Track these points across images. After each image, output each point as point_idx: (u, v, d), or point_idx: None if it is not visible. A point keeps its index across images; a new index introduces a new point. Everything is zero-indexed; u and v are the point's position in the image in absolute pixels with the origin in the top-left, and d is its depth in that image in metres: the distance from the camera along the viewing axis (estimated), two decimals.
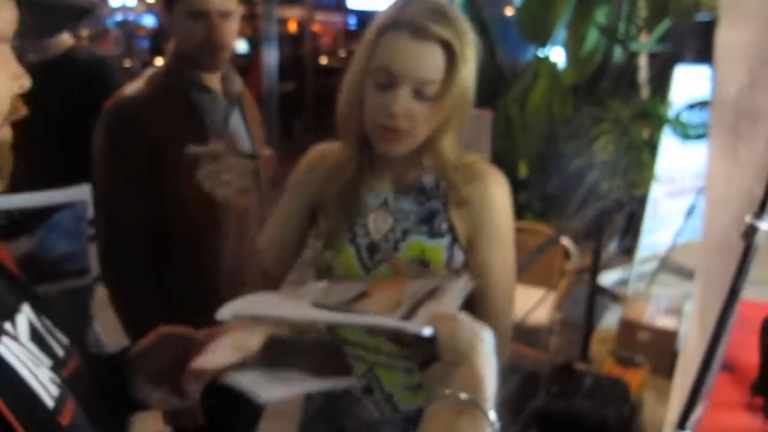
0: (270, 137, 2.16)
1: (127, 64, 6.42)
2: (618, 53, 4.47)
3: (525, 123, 4.35)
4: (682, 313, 3.35)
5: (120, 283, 1.66)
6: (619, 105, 3.49)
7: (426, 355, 0.76)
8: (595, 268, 3.38)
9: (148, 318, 1.55)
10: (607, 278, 4.24)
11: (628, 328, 3.38)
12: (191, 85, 1.72)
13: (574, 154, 3.79)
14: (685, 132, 3.50)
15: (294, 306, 0.91)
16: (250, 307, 0.88)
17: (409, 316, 0.87)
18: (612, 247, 4.72)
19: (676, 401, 2.21)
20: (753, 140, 1.50)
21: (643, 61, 4.34)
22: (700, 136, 3.62)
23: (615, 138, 3.35)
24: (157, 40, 9.77)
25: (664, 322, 3.36)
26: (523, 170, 4.47)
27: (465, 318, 0.80)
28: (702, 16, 3.96)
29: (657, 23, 4.22)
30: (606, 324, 3.81)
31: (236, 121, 1.84)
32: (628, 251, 4.43)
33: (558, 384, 2.46)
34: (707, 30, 2.98)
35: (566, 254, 3.17)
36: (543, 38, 4.41)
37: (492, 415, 0.71)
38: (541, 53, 4.48)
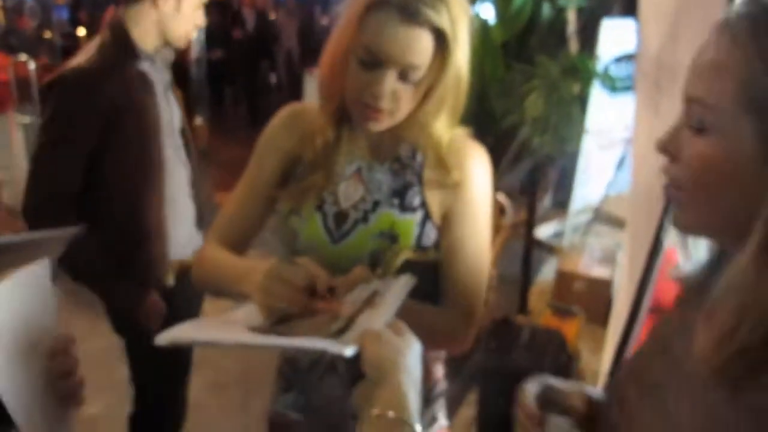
0: (200, 107, 2.18)
1: (47, 35, 6.14)
2: (546, 9, 4.49)
3: None
4: (615, 262, 3.46)
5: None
6: (549, 61, 3.53)
7: (354, 372, 0.81)
8: (531, 223, 3.45)
9: (101, 275, 1.88)
10: (543, 231, 4.33)
11: (564, 279, 3.48)
12: (140, 55, 1.86)
13: (504, 111, 3.82)
14: (612, 85, 3.57)
15: (228, 331, 0.92)
16: (187, 333, 0.89)
17: (344, 329, 0.90)
18: (546, 201, 4.82)
19: (610, 348, 2.29)
20: (673, 93, 1.55)
21: (571, 16, 4.37)
22: (627, 89, 3.69)
23: (545, 94, 3.39)
24: (76, 10, 9.33)
25: (599, 271, 3.46)
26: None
27: (388, 336, 0.83)
28: None
29: None
30: (543, 276, 3.91)
31: (167, 83, 2.01)
32: (562, 204, 4.53)
33: (496, 339, 2.51)
34: None
35: (501, 210, 3.21)
36: None
37: (418, 428, 0.78)
38: (471, 11, 4.46)
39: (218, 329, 0.94)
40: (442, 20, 1.07)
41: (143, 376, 2.21)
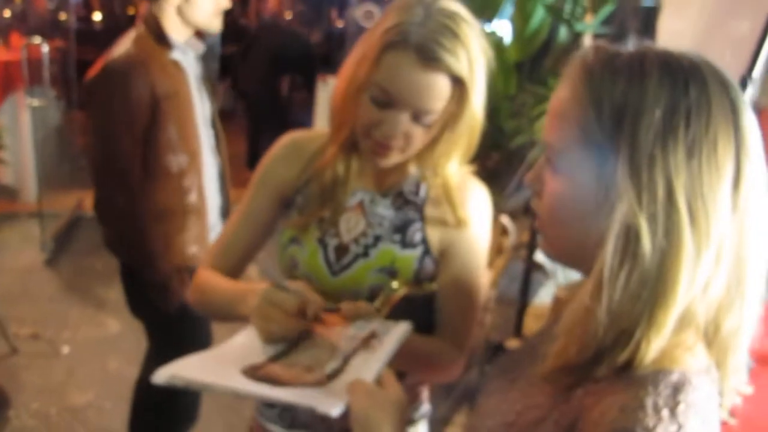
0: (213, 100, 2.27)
1: (62, 17, 6.19)
2: (563, 33, 4.50)
3: None
4: None
5: (121, 215, 1.98)
6: None
7: (343, 424, 0.83)
8: (532, 245, 3.43)
9: (152, 242, 2.00)
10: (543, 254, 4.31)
11: (561, 305, 3.44)
12: (175, 45, 1.99)
13: (514, 131, 3.82)
14: None
15: (226, 370, 0.92)
16: (184, 372, 0.89)
17: (338, 371, 0.92)
18: None
19: None
20: None
21: (586, 42, 4.37)
22: None
23: None
24: None
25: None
26: None
27: (377, 394, 0.85)
28: (646, 1, 4.01)
29: (601, 5, 4.26)
30: (540, 300, 3.89)
31: (200, 78, 2.15)
32: None
33: (491, 363, 2.50)
34: (650, 15, 3.02)
35: (504, 231, 3.20)
36: (490, 13, 4.40)
37: None
38: (487, 28, 4.47)
39: (216, 368, 0.93)
40: (461, 66, 1.05)
41: (163, 357, 2.22)
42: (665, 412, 0.66)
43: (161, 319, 2.17)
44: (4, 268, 4.24)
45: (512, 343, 2.88)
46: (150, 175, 2.00)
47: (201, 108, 2.14)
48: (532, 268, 3.50)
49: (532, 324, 3.51)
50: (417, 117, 1.07)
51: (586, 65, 0.76)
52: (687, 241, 0.68)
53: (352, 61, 1.11)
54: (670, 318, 0.70)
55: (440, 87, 1.05)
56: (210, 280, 1.24)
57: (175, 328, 2.13)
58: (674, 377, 0.70)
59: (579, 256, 0.79)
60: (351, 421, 0.82)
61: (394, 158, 1.13)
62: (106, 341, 3.52)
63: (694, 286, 0.70)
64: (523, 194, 3.42)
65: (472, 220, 1.20)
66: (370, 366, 0.91)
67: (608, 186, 0.71)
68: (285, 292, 1.03)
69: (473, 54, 1.06)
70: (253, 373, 0.91)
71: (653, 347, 0.70)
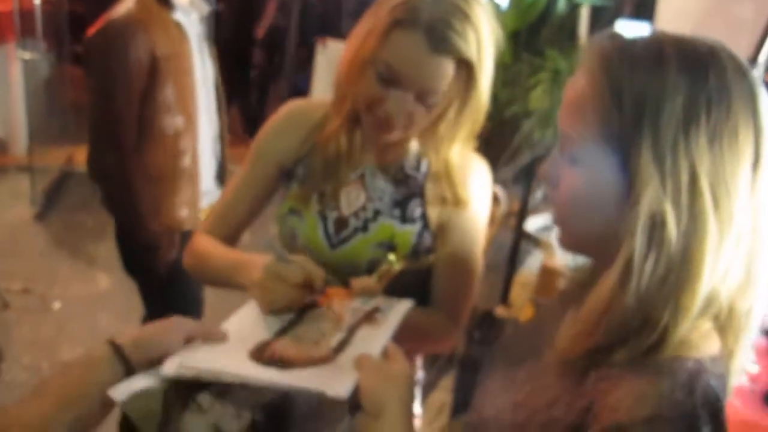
0: None
1: None
2: (561, 3, 4.47)
3: None
4: None
5: (114, 175, 1.98)
6: (558, 56, 3.51)
7: (352, 401, 0.82)
8: (523, 215, 3.45)
9: (143, 204, 2.01)
10: (532, 224, 4.33)
11: (548, 274, 3.48)
12: (177, 6, 1.99)
13: (509, 100, 3.81)
14: None
15: (233, 357, 0.91)
16: (193, 362, 0.88)
17: (343, 344, 0.93)
18: (539, 193, 4.82)
19: None
20: None
21: (584, 13, 4.35)
22: None
23: (551, 88, 3.38)
24: None
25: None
26: None
27: (385, 369, 0.85)
28: None
29: None
30: (527, 269, 3.92)
31: (204, 42, 2.15)
32: None
33: (480, 331, 2.53)
34: None
35: (495, 200, 3.22)
36: None
37: None
38: None
39: (224, 352, 0.93)
40: (470, 50, 1.03)
41: (156, 316, 2.26)
42: (682, 399, 0.68)
43: (152, 280, 2.20)
44: None
45: (501, 311, 2.91)
46: (144, 136, 2.00)
47: (202, 70, 2.13)
48: (521, 237, 3.53)
49: (518, 292, 3.55)
50: (421, 97, 1.06)
51: (603, 54, 0.76)
52: (711, 226, 0.70)
53: (360, 33, 1.09)
54: (696, 302, 0.71)
55: (447, 69, 1.04)
56: (207, 247, 1.24)
57: (167, 289, 2.15)
58: (690, 364, 0.71)
59: (599, 246, 0.80)
60: (363, 401, 0.82)
61: (395, 135, 1.13)
62: (96, 297, 3.53)
63: (717, 269, 0.71)
64: (514, 164, 3.44)
65: (472, 198, 1.20)
66: (375, 340, 0.93)
67: (631, 175, 0.72)
68: (289, 264, 1.03)
69: (483, 37, 1.05)
70: (261, 355, 0.91)
71: (679, 332, 0.72)
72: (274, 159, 1.25)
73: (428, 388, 2.78)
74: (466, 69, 1.06)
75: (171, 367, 0.86)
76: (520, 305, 3.37)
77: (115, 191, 2.03)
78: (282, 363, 0.89)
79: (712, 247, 0.70)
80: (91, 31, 1.94)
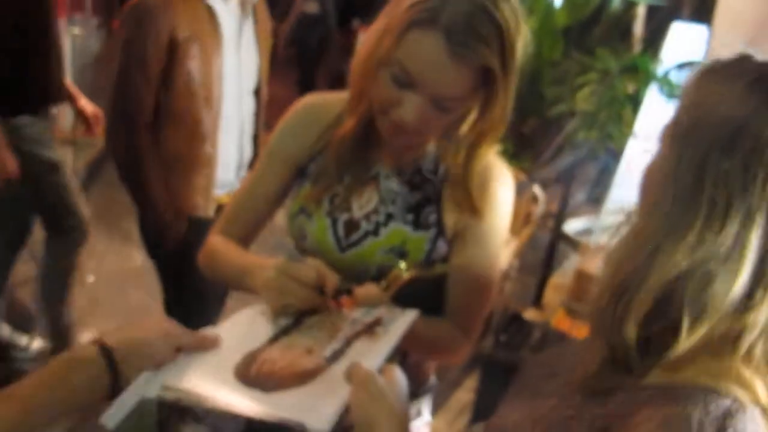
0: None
1: None
2: (616, 2, 4.36)
3: None
4: None
5: (126, 154, 1.98)
6: (609, 56, 3.42)
7: (342, 424, 0.78)
8: (561, 216, 3.38)
9: (152, 186, 2.00)
10: (571, 226, 4.26)
11: (583, 279, 3.40)
12: None
13: (555, 99, 3.73)
14: (671, 91, 3.45)
15: (218, 375, 0.87)
16: (177, 381, 0.84)
17: (338, 354, 0.89)
18: (580, 196, 4.73)
19: None
20: None
21: (640, 12, 4.23)
22: None
23: (599, 90, 3.29)
24: None
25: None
26: None
27: (378, 386, 0.80)
28: None
29: None
30: (563, 272, 3.85)
31: (248, 32, 2.10)
32: (596, 202, 4.44)
33: (507, 333, 2.48)
34: None
35: (533, 199, 3.16)
36: None
37: None
38: None
39: (211, 367, 0.89)
40: (493, 57, 0.95)
41: (173, 302, 2.29)
42: (711, 430, 0.64)
43: (165, 266, 2.21)
44: None
45: (530, 314, 2.85)
46: (161, 118, 1.98)
47: (236, 58, 2.07)
48: (558, 239, 3.46)
49: (552, 296, 3.48)
50: (437, 102, 0.99)
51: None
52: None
53: (376, 31, 1.02)
54: (719, 308, 0.68)
55: (466, 76, 0.97)
56: (220, 247, 1.21)
57: (182, 278, 2.14)
58: (727, 402, 0.67)
59: None
60: (353, 418, 0.79)
61: (409, 140, 1.08)
62: (130, 273, 3.56)
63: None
64: (556, 164, 3.36)
65: (491, 206, 1.13)
66: (372, 354, 0.88)
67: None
68: (303, 264, 1.00)
69: (509, 42, 0.96)
70: (246, 371, 0.87)
71: (697, 333, 0.69)
72: (289, 157, 1.21)
73: (452, 387, 2.74)
74: (487, 76, 0.99)
75: (153, 389, 0.83)
76: (552, 310, 3.31)
77: (127, 169, 2.02)
78: (267, 382, 0.85)
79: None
80: (125, 7, 1.95)
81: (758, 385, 0.70)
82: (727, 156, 0.68)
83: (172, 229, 2.08)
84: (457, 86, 0.98)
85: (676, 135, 0.74)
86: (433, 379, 1.35)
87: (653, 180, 0.78)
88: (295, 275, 0.98)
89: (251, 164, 2.26)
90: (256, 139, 2.27)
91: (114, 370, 0.80)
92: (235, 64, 2.08)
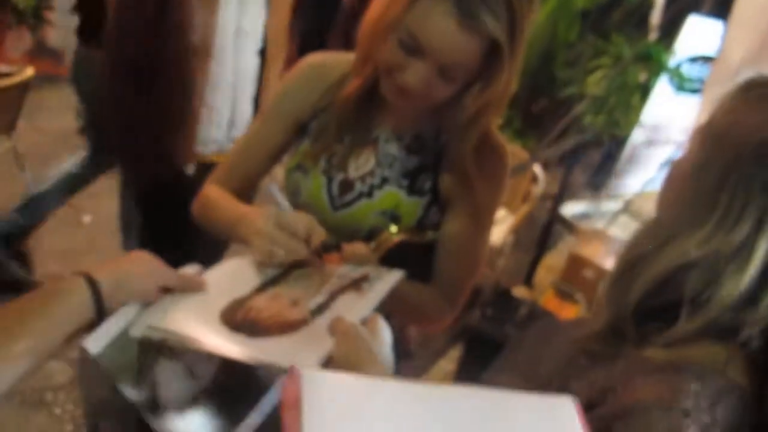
0: None
1: None
2: None
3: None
4: None
5: (119, 99, 1.93)
6: (624, 42, 3.41)
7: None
8: (560, 198, 3.39)
9: (141, 131, 1.96)
10: (569, 209, 4.28)
11: (576, 263, 3.44)
12: None
13: (567, 80, 3.73)
14: (681, 84, 3.45)
15: (204, 317, 0.87)
16: (161, 322, 0.84)
17: (323, 307, 0.89)
18: (581, 180, 4.75)
19: None
20: None
21: (659, 2, 4.21)
22: (694, 91, 3.57)
23: (611, 75, 3.28)
24: None
25: (611, 264, 3.41)
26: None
27: (360, 336, 0.80)
28: None
29: None
30: (557, 252, 3.87)
31: None
32: (596, 187, 4.46)
33: (494, 308, 2.51)
34: None
35: (534, 179, 3.17)
36: None
37: None
38: None
39: (197, 310, 0.89)
40: (501, 30, 0.96)
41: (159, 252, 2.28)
42: (704, 403, 0.69)
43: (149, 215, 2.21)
44: (39, 127, 4.29)
45: (519, 291, 2.88)
46: (154, 67, 1.94)
47: (236, 16, 2.02)
48: (554, 220, 3.48)
49: (543, 275, 3.52)
50: (442, 70, 1.00)
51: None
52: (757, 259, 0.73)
53: (385, 2, 1.03)
54: (731, 295, 0.74)
55: (473, 46, 0.97)
56: (213, 197, 1.22)
57: (165, 226, 2.15)
58: (722, 381, 0.72)
59: None
60: (333, 362, 0.79)
61: (412, 104, 1.08)
62: None
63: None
64: (560, 145, 3.37)
65: (486, 180, 1.13)
66: (357, 308, 0.88)
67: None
68: (293, 215, 1.00)
69: (518, 16, 0.97)
70: (232, 316, 0.88)
71: (707, 317, 0.74)
72: (291, 113, 1.20)
73: (436, 356, 2.78)
74: (494, 49, 0.99)
75: (138, 329, 0.84)
76: (542, 289, 3.34)
77: (116, 114, 2.00)
78: (252, 328, 0.85)
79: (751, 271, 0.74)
80: None
81: (750, 372, 0.75)
82: (752, 163, 0.73)
83: (154, 179, 2.05)
84: (464, 55, 0.99)
85: (708, 136, 0.79)
86: (412, 348, 1.37)
87: (679, 173, 0.83)
88: (284, 225, 0.98)
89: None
90: (257, 101, 2.20)
91: (99, 301, 0.81)
92: (235, 20, 2.02)
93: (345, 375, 0.66)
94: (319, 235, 0.99)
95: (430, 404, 0.61)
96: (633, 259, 0.81)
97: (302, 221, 0.99)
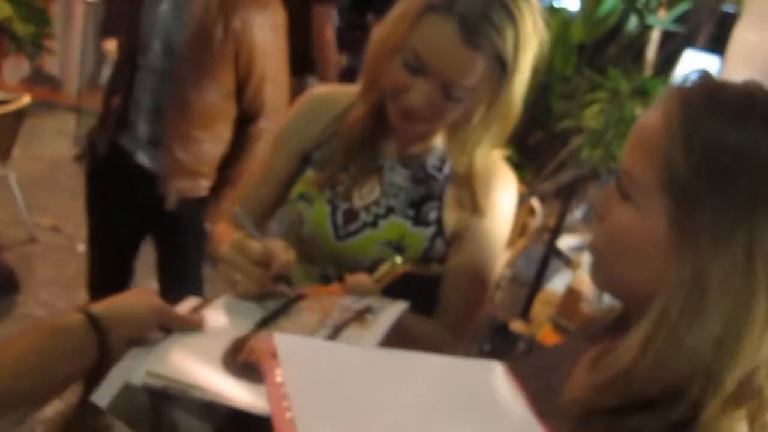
0: None
1: None
2: (632, 22, 4.37)
3: None
4: None
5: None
6: (620, 76, 3.43)
7: None
8: (557, 231, 3.38)
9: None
10: (566, 242, 4.26)
11: (573, 297, 3.40)
12: None
13: (563, 113, 3.74)
14: None
15: (205, 363, 0.83)
16: (162, 368, 0.81)
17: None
18: (577, 213, 4.74)
19: None
20: None
21: (654, 37, 4.25)
22: None
23: (608, 109, 3.30)
24: None
25: (609, 299, 3.39)
26: None
27: None
28: (726, 7, 3.86)
29: (677, 2, 4.12)
30: (554, 286, 3.85)
31: None
32: (593, 220, 4.44)
33: (492, 343, 2.48)
34: (726, 21, 2.90)
35: (530, 212, 3.16)
36: None
37: None
38: (556, 3, 4.35)
39: (198, 354, 0.86)
40: (506, 48, 0.96)
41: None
42: None
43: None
44: (36, 155, 4.28)
45: (516, 326, 2.86)
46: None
47: (168, 13, 1.87)
48: (552, 253, 3.46)
49: (540, 309, 3.48)
50: (448, 90, 0.99)
51: (684, 93, 0.69)
52: (761, 306, 0.64)
53: (392, 17, 1.03)
54: (731, 381, 0.65)
55: (478, 65, 0.97)
56: (219, 232, 1.23)
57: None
58: None
59: (633, 294, 0.74)
60: None
61: (418, 128, 1.07)
62: None
63: (761, 351, 0.65)
64: (558, 178, 3.37)
65: (493, 209, 1.12)
66: (362, 342, 0.86)
67: (683, 230, 0.66)
68: (254, 241, 0.98)
69: (523, 35, 0.97)
70: (234, 358, 0.84)
71: (711, 411, 0.65)
72: (296, 144, 1.21)
73: None
74: (499, 67, 0.99)
75: (138, 376, 0.80)
76: (539, 323, 3.31)
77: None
78: (253, 372, 0.81)
79: (758, 327, 0.64)
80: None
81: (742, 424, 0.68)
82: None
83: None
84: (468, 74, 0.98)
85: (685, 186, 0.66)
86: None
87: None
88: (242, 249, 0.97)
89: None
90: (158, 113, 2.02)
91: (101, 338, 0.78)
92: (165, 18, 1.88)
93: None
94: (280, 261, 0.96)
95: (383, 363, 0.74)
96: (626, 361, 0.69)
97: (260, 246, 0.96)
